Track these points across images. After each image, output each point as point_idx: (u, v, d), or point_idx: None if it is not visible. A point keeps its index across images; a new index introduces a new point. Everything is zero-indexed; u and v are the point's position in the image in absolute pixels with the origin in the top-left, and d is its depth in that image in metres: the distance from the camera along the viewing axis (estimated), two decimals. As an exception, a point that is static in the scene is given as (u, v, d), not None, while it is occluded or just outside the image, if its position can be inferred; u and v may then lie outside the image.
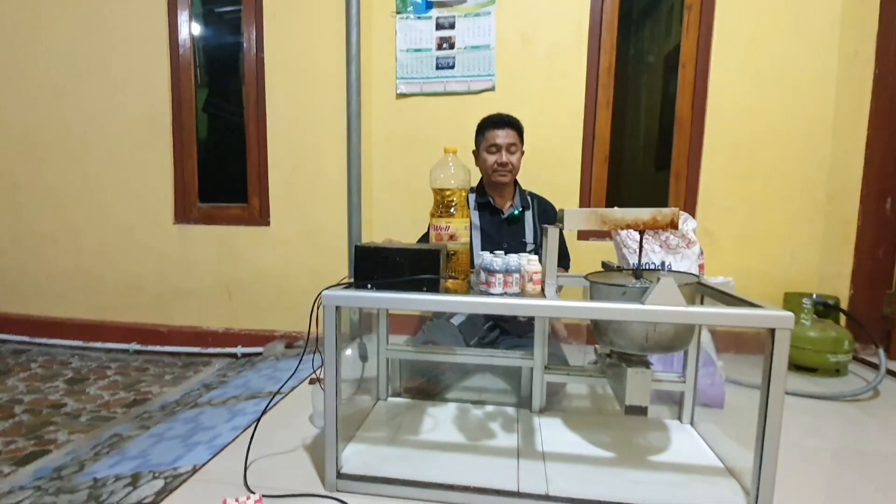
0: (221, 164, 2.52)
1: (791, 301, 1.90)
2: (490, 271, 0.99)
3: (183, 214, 2.43)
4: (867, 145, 1.93)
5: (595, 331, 1.10)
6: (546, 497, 0.98)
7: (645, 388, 1.05)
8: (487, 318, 1.73)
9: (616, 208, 1.02)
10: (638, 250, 1.14)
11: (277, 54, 2.24)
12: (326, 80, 2.18)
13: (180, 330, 2.46)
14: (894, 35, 1.83)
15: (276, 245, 2.34)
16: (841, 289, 2.02)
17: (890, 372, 1.80)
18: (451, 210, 1.15)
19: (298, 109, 2.24)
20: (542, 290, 1.03)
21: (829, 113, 1.96)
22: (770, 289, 2.03)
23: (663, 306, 0.88)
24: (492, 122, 1.69)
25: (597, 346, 1.37)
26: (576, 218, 1.01)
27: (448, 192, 1.14)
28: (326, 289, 1.00)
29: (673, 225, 1.00)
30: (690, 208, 2.09)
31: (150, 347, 2.47)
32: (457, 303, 0.97)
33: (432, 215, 1.17)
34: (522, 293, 1.02)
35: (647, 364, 1.06)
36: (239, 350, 2.37)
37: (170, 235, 2.43)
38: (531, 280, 1.02)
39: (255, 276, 2.38)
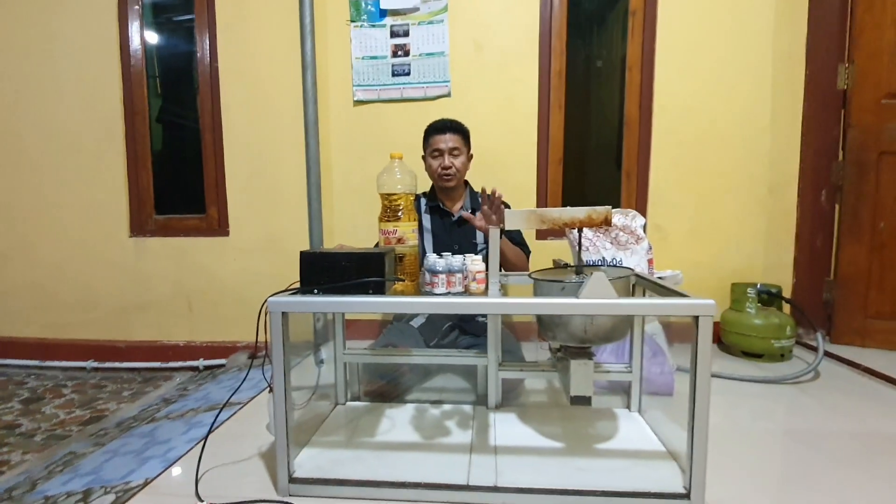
0: (178, 174, 2.48)
1: (737, 291, 2.00)
2: (433, 272, 1.02)
3: (139, 227, 2.39)
4: (802, 141, 2.05)
5: (540, 326, 1.14)
6: (494, 489, 1.00)
7: (588, 379, 1.09)
8: (446, 319, 1.76)
9: (553, 208, 1.06)
10: (578, 248, 1.18)
11: (232, 63, 2.23)
12: (282, 88, 2.18)
13: (139, 345, 2.40)
14: (822, 37, 1.95)
15: (236, 255, 2.32)
16: (784, 277, 2.12)
17: (830, 354, 1.91)
18: (399, 214, 1.17)
19: (255, 117, 2.23)
20: (487, 288, 1.06)
21: (766, 112, 2.07)
22: (718, 280, 2.12)
23: (595, 300, 0.92)
24: (435, 128, 1.73)
25: (549, 342, 1.41)
26: (516, 218, 1.05)
27: (395, 197, 1.17)
28: (272, 295, 1.01)
29: (606, 222, 1.05)
30: (642, 205, 2.17)
31: (107, 364, 2.40)
32: (399, 303, 1.00)
33: (380, 220, 1.19)
34: (466, 292, 1.05)
35: (590, 356, 1.11)
36: (200, 363, 2.33)
37: (126, 249, 2.38)
38: (475, 279, 1.05)
39: (216, 287, 2.35)
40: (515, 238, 1.75)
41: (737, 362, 1.93)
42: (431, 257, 1.05)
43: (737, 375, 1.75)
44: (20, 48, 2.31)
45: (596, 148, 2.33)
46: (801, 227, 2.07)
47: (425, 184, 1.82)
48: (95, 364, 2.40)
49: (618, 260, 1.76)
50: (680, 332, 2.15)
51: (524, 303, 0.97)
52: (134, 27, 2.30)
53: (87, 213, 2.36)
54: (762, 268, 2.14)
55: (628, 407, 1.39)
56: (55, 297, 2.42)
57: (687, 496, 0.96)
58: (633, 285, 1.25)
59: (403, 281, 1.12)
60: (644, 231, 1.83)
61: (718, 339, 2.10)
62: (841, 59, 1.93)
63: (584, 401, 1.11)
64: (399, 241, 1.15)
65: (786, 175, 2.08)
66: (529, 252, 1.79)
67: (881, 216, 1.90)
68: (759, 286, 1.97)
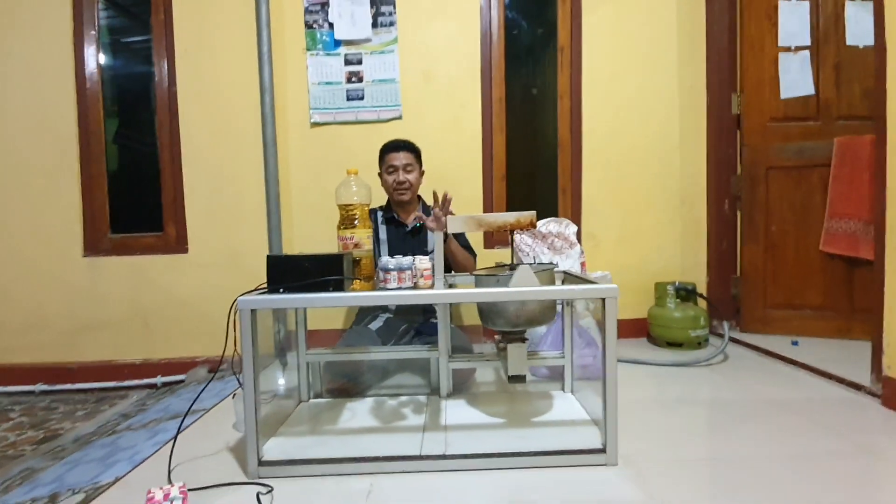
0: (134, 193, 2.52)
1: (659, 289, 2.26)
2: (386, 270, 1.18)
3: (93, 246, 2.39)
4: (707, 159, 2.37)
5: (482, 317, 1.32)
6: (443, 456, 1.15)
7: (522, 360, 1.27)
8: (402, 322, 1.90)
9: (489, 213, 1.25)
10: (511, 247, 1.38)
11: (191, 86, 2.31)
12: (241, 110, 2.29)
13: (92, 365, 2.38)
14: (717, 71, 2.29)
15: (196, 271, 2.37)
16: (700, 276, 2.42)
17: (737, 341, 2.19)
18: (355, 222, 1.32)
19: (214, 138, 2.32)
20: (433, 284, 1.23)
21: (675, 134, 2.39)
22: (643, 280, 2.39)
23: (521, 287, 1.11)
24: (389, 147, 1.92)
25: (496, 335, 1.59)
26: (458, 222, 1.23)
27: (351, 207, 1.32)
28: (241, 295, 1.13)
29: (532, 225, 1.25)
30: (576, 216, 2.42)
31: (57, 387, 2.36)
32: (357, 298, 1.15)
33: (339, 228, 1.34)
34: (415, 287, 1.21)
35: (523, 340, 1.29)
36: (158, 380, 2.34)
37: (79, 268, 2.38)
38: (422, 276, 1.22)
39: (174, 304, 2.38)
40: (462, 242, 1.94)
41: (661, 351, 2.18)
42: (384, 258, 1.21)
43: (656, 361, 1.99)
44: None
45: (535, 166, 2.59)
46: (710, 233, 2.38)
47: (381, 199, 1.98)
48: (45, 387, 2.35)
49: (553, 263, 1.98)
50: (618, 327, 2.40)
51: (462, 293, 1.14)
52: (89, 50, 2.35)
53: (38, 233, 2.35)
54: (681, 268, 2.44)
55: (563, 388, 1.58)
56: (2, 320, 2.37)
57: (603, 450, 1.15)
58: (563, 280, 1.45)
59: (360, 280, 1.26)
60: (577, 237, 2.07)
61: (647, 333, 2.36)
62: (734, 88, 2.28)
63: (520, 379, 1.29)
64: (356, 245, 1.30)
65: (695, 188, 2.40)
66: (476, 255, 1.98)
67: (772, 221, 2.23)
68: (676, 284, 2.24)
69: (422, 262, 1.23)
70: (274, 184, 2.27)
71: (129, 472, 1.25)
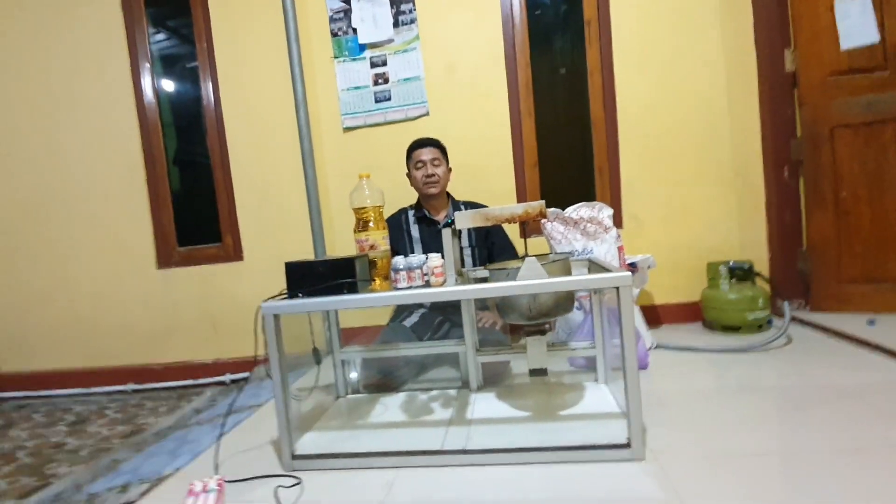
0: (195, 209, 2.75)
1: (711, 269, 2.11)
2: (396, 270, 1.21)
3: (165, 260, 2.65)
4: (761, 123, 2.16)
5: (499, 312, 1.31)
6: (463, 451, 1.17)
7: (542, 353, 1.25)
8: (437, 314, 1.93)
9: (496, 207, 1.24)
10: (524, 239, 1.35)
11: (234, 107, 2.49)
12: (279, 124, 2.42)
13: (173, 365, 2.65)
14: (765, 29, 2.07)
15: (252, 276, 2.55)
16: (760, 253, 2.22)
17: (804, 321, 2.00)
18: (370, 225, 1.36)
19: (258, 153, 2.48)
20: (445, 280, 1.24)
21: (721, 99, 2.20)
22: (696, 260, 2.23)
23: (527, 280, 1.09)
24: (416, 144, 1.96)
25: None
26: (464, 218, 1.23)
27: (364, 210, 1.36)
28: (264, 301, 1.21)
29: (542, 214, 1.22)
30: (615, 198, 2.31)
31: (146, 385, 2.66)
32: (369, 299, 1.19)
33: (355, 231, 1.39)
34: (427, 285, 1.23)
35: (542, 332, 1.27)
36: (227, 377, 2.56)
37: (154, 280, 2.65)
38: (433, 274, 1.23)
39: (236, 308, 2.58)
40: (504, 243, 1.95)
41: (716, 336, 2.04)
42: (396, 258, 1.24)
43: (708, 347, 1.86)
44: (47, 111, 2.62)
45: (568, 149, 2.49)
46: (769, 204, 2.17)
47: (400, 201, 2.02)
48: (135, 386, 2.65)
49: (588, 249, 1.91)
50: (676, 312, 2.29)
51: (466, 289, 1.14)
52: (146, 81, 2.59)
53: (119, 249, 2.65)
54: (738, 245, 2.25)
55: (596, 380, 1.53)
56: (94, 328, 2.70)
57: (627, 445, 1.11)
58: (588, 269, 1.40)
59: (374, 281, 1.30)
60: (611, 221, 1.98)
61: (702, 318, 2.21)
62: (786, 44, 2.05)
63: (541, 372, 1.27)
64: (371, 247, 1.34)
65: (749, 156, 2.19)
66: (516, 251, 1.97)
67: (842, 186, 1.99)
68: (731, 263, 2.07)
69: (432, 259, 1.24)
70: (314, 191, 2.38)
71: (188, 463, 1.40)
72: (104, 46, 2.55)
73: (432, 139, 1.97)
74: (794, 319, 1.97)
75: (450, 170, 1.99)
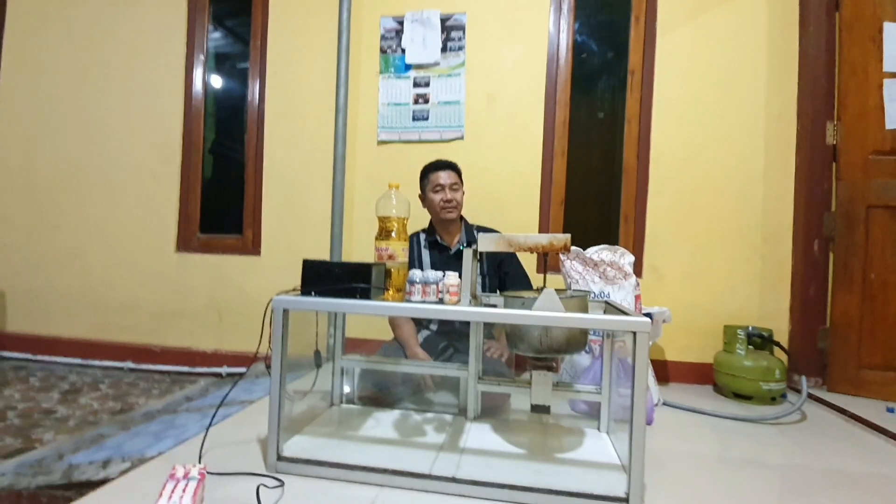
0: (222, 199, 2.80)
1: (728, 332, 2.05)
2: (412, 282, 1.20)
3: (184, 243, 2.69)
4: (795, 194, 2.13)
5: (508, 341, 1.28)
6: (453, 479, 1.13)
7: (546, 389, 1.22)
8: (442, 339, 1.90)
9: (521, 234, 1.23)
10: (544, 271, 1.33)
11: (276, 105, 2.56)
12: (317, 127, 2.48)
13: (172, 350, 2.65)
14: (809, 100, 2.08)
15: (266, 272, 2.57)
16: (781, 323, 2.16)
17: (822, 401, 1.91)
18: (392, 234, 1.36)
19: (290, 153, 2.54)
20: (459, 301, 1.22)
21: (759, 165, 2.18)
22: (712, 322, 2.18)
23: (542, 312, 1.07)
24: (434, 167, 1.89)
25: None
26: (487, 241, 1.23)
27: (389, 220, 1.36)
28: (277, 295, 1.21)
29: (566, 248, 1.20)
30: (639, 247, 2.28)
31: (142, 366, 2.65)
32: (378, 307, 1.17)
33: (377, 239, 1.39)
34: (441, 303, 1.22)
35: (549, 368, 1.23)
36: (224, 370, 2.54)
37: (171, 262, 2.68)
38: (448, 292, 1.22)
39: (245, 301, 2.59)
40: (520, 273, 1.91)
41: (726, 402, 1.96)
42: (414, 270, 1.23)
43: (717, 412, 1.79)
44: (99, 85, 2.73)
45: (596, 192, 2.49)
46: (795, 276, 2.12)
47: (423, 221, 1.97)
48: (132, 365, 2.65)
49: (605, 293, 1.88)
50: (683, 371, 2.22)
51: (475, 311, 1.12)
52: (198, 73, 2.69)
53: (141, 227, 2.69)
54: (757, 313, 2.19)
55: (598, 427, 1.48)
56: (103, 300, 2.73)
57: (626, 500, 1.05)
58: (604, 311, 1.37)
59: (387, 290, 1.29)
60: (632, 268, 1.95)
61: (713, 381, 2.14)
62: (830, 117, 2.04)
63: (543, 409, 1.23)
64: (390, 257, 1.34)
65: (780, 224, 2.16)
66: (529, 282, 1.94)
67: (871, 268, 1.94)
68: (749, 329, 2.02)
69: (449, 277, 1.23)
70: (340, 197, 2.41)
71: (171, 448, 1.37)
72: (165, 34, 2.67)
73: (450, 162, 1.90)
74: (810, 397, 1.89)
75: (464, 193, 1.96)
